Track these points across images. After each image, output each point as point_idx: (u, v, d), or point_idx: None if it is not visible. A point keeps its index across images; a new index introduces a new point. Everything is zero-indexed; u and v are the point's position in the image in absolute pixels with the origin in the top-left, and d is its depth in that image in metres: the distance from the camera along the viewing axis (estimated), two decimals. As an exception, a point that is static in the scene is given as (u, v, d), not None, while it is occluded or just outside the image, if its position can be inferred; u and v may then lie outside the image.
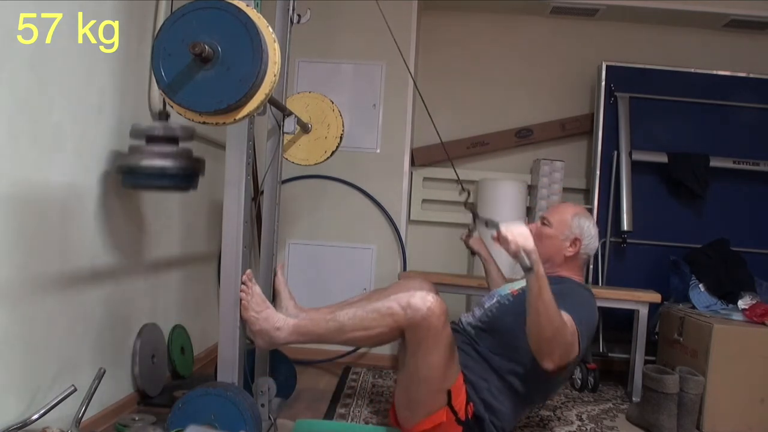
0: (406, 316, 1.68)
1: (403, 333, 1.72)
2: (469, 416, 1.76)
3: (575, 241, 2.00)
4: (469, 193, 1.93)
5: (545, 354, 1.62)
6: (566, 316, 1.66)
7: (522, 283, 1.99)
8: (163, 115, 1.97)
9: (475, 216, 1.78)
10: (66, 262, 1.77)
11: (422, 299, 1.68)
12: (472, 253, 2.49)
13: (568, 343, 1.63)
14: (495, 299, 2.01)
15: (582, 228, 2.00)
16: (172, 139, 1.90)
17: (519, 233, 1.58)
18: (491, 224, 1.68)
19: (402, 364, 1.84)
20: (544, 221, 2.03)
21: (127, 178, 1.89)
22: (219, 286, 1.81)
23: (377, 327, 1.71)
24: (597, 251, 3.16)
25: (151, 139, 1.88)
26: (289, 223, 3.15)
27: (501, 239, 1.61)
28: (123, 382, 2.13)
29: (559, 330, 1.59)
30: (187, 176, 1.90)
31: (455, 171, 2.25)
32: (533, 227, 2.03)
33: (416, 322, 1.67)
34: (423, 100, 2.36)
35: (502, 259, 2.37)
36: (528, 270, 1.57)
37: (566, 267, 2.02)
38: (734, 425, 2.40)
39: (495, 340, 1.89)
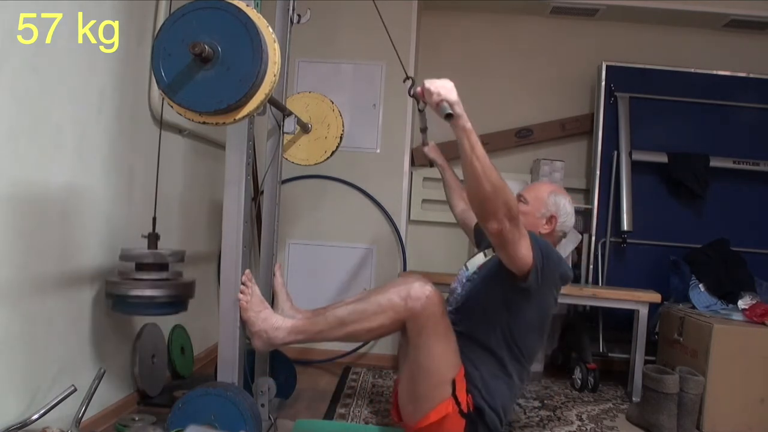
0: (406, 307, 1.69)
1: (404, 325, 1.72)
2: (471, 408, 1.76)
3: (551, 218, 1.99)
4: (413, 80, 1.86)
5: (489, 214, 1.57)
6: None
7: (482, 258, 2.00)
8: (153, 240, 1.97)
9: (418, 100, 1.70)
10: (66, 262, 1.77)
11: (420, 288, 1.69)
12: (430, 164, 2.47)
13: (511, 203, 1.58)
14: (464, 281, 2.01)
15: (558, 205, 1.99)
16: (162, 266, 1.91)
17: (441, 85, 1.55)
18: (417, 82, 1.61)
19: (403, 361, 1.84)
20: (521, 198, 2.02)
21: (116, 306, 1.90)
22: (219, 286, 1.81)
23: (377, 319, 1.72)
24: (597, 251, 3.17)
25: (140, 266, 1.89)
26: (289, 223, 3.15)
27: (425, 91, 1.57)
28: (123, 382, 2.13)
29: (499, 186, 1.56)
30: (175, 303, 1.92)
31: (403, 66, 2.19)
32: None
33: (416, 312, 1.68)
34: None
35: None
36: (449, 117, 1.53)
37: None
38: (734, 425, 2.40)
39: (471, 315, 1.88)
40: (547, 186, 2.09)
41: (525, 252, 1.66)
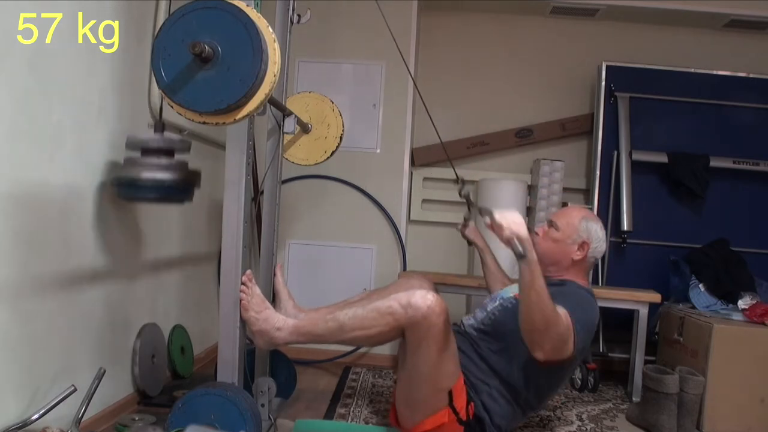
0: (407, 315, 1.68)
1: (404, 332, 1.72)
2: (470, 416, 1.76)
3: (583, 244, 1.99)
4: (463, 182, 1.91)
5: (536, 344, 1.62)
6: (561, 311, 1.66)
7: None
8: (159, 126, 1.96)
9: (470, 204, 1.77)
10: (66, 262, 1.77)
11: (422, 298, 1.68)
12: (469, 243, 2.47)
13: (561, 336, 1.63)
14: (498, 302, 2.01)
15: (590, 231, 1.99)
16: (168, 151, 1.89)
17: (512, 220, 1.59)
18: (485, 211, 1.67)
19: (402, 364, 1.84)
20: (552, 224, 2.02)
21: (122, 190, 1.87)
22: (219, 286, 1.81)
23: (377, 326, 1.71)
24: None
25: (147, 151, 1.87)
26: (289, 223, 3.15)
27: (495, 226, 1.61)
28: (123, 382, 2.12)
29: (551, 321, 1.59)
30: (183, 188, 1.90)
31: (453, 166, 2.24)
32: (541, 230, 2.03)
33: (416, 321, 1.67)
34: (423, 100, 2.37)
35: (501, 256, 2.36)
36: (520, 257, 1.57)
37: (573, 271, 2.02)
38: (734, 425, 2.40)
39: (496, 342, 1.89)
40: (579, 211, 2.08)
41: (570, 351, 1.70)
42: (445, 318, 1.71)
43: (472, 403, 1.78)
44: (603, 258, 3.17)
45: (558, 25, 3.44)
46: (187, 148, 1.95)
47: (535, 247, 1.94)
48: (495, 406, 1.82)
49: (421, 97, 2.43)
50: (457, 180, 1.95)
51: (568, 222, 2.01)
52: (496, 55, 3.47)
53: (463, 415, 1.74)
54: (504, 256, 2.26)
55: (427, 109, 2.33)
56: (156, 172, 1.81)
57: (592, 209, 3.18)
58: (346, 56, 3.18)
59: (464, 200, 1.83)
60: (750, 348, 2.42)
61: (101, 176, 1.93)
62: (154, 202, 2.08)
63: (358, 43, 3.16)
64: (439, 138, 2.39)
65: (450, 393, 1.73)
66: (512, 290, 2.04)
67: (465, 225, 2.42)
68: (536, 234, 2.04)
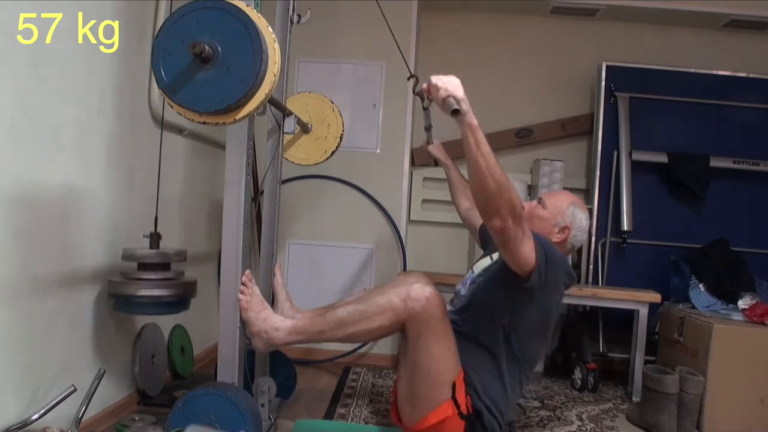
0: (406, 308, 1.68)
1: (403, 326, 1.72)
2: (470, 410, 1.76)
3: (564, 228, 1.99)
4: (417, 78, 1.85)
5: (493, 211, 1.57)
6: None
7: (488, 262, 2.00)
8: (155, 240, 1.97)
9: (423, 98, 1.69)
10: (66, 262, 1.77)
11: (421, 290, 1.68)
12: (435, 163, 2.46)
13: (515, 200, 1.58)
14: (468, 283, 2.01)
15: (574, 218, 1.99)
16: (164, 265, 1.92)
17: (448, 80, 1.55)
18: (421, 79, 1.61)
19: (403, 360, 1.84)
20: (540, 201, 2.03)
21: (119, 305, 1.90)
22: (219, 286, 1.81)
23: (377, 320, 1.71)
24: (597, 251, 3.17)
25: (144, 266, 1.89)
26: (289, 223, 3.15)
27: (430, 87, 1.57)
28: (123, 382, 2.13)
29: (503, 184, 1.56)
30: (179, 303, 1.94)
31: (407, 65, 2.16)
32: (528, 205, 2.03)
33: (416, 313, 1.67)
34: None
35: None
36: (456, 113, 1.52)
37: None
38: (734, 425, 2.40)
39: (473, 316, 1.87)
40: (569, 196, 2.08)
41: (528, 251, 1.66)
42: (444, 310, 1.72)
43: (469, 396, 1.78)
44: (603, 258, 3.18)
45: (558, 25, 3.44)
46: (182, 258, 1.98)
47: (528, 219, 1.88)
48: (488, 392, 1.79)
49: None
50: (410, 75, 1.89)
51: (556, 203, 2.01)
52: (496, 55, 3.47)
53: (464, 408, 1.74)
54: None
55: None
56: (152, 290, 1.85)
57: (592, 209, 3.19)
58: (346, 56, 3.18)
59: (418, 97, 1.73)
60: (750, 348, 2.42)
61: (101, 177, 1.92)
62: (151, 316, 2.18)
63: (358, 43, 3.16)
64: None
65: (453, 385, 1.73)
66: (477, 268, 2.03)
67: (429, 141, 2.39)
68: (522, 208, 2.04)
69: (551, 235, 1.98)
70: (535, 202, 2.06)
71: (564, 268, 1.86)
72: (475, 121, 1.56)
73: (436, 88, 1.55)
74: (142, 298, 1.84)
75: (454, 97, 1.53)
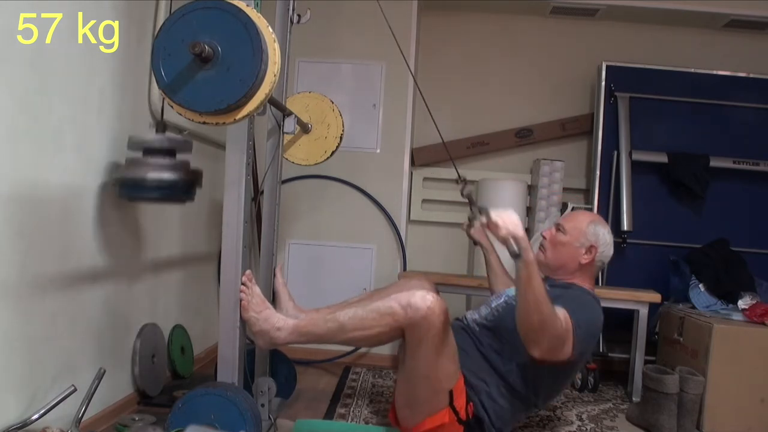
0: (407, 316, 1.68)
1: (403, 332, 1.72)
2: (470, 416, 1.76)
3: (590, 248, 1.98)
4: (465, 182, 1.90)
5: (532, 342, 1.64)
6: (561, 312, 1.67)
7: None
8: (161, 127, 1.96)
9: (472, 204, 1.76)
10: (66, 262, 1.77)
11: (422, 298, 1.68)
12: (475, 243, 2.46)
13: (559, 336, 1.64)
14: (503, 299, 2.01)
15: (597, 236, 1.99)
16: (171, 151, 1.89)
17: (509, 219, 1.60)
18: (482, 211, 1.68)
19: (402, 364, 1.84)
20: (559, 228, 2.02)
21: (125, 190, 1.87)
22: (219, 286, 1.81)
23: (377, 326, 1.71)
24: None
25: (150, 151, 1.87)
26: (289, 223, 3.15)
27: (491, 225, 1.62)
28: (123, 382, 2.13)
29: (548, 320, 1.60)
30: (185, 188, 1.90)
31: (455, 165, 2.23)
32: (548, 234, 2.04)
33: (416, 322, 1.67)
34: (424, 100, 2.36)
35: (505, 256, 2.36)
36: (516, 256, 1.58)
37: (579, 274, 2.02)
38: (734, 425, 2.40)
39: (497, 339, 1.89)
40: (587, 216, 2.08)
41: (568, 353, 1.71)
42: (445, 319, 1.70)
43: (471, 403, 1.78)
44: (603, 258, 3.18)
45: (558, 25, 3.44)
46: (188, 148, 1.94)
47: (543, 251, 1.95)
48: (494, 406, 1.82)
49: (422, 95, 2.43)
50: (459, 179, 1.94)
51: (576, 226, 2.01)
52: (496, 55, 3.47)
53: (462, 414, 1.75)
54: (507, 256, 2.26)
55: (428, 108, 2.32)
56: (160, 172, 1.81)
57: (592, 209, 3.19)
58: (346, 56, 3.18)
59: (466, 200, 1.81)
60: (750, 348, 2.42)
61: (102, 177, 1.93)
62: (158, 202, 2.09)
63: (358, 43, 3.16)
64: (441, 137, 2.38)
65: (450, 393, 1.73)
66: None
67: (470, 225, 2.40)
68: (543, 237, 2.05)
69: (579, 257, 1.98)
70: (554, 229, 2.05)
71: (597, 334, 1.90)
72: (531, 257, 1.60)
73: (496, 226, 1.61)
74: (150, 181, 1.80)
75: (515, 239, 1.59)
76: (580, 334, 1.71)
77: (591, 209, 3.19)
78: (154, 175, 1.81)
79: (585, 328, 1.76)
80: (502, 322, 1.91)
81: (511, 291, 2.03)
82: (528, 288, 1.58)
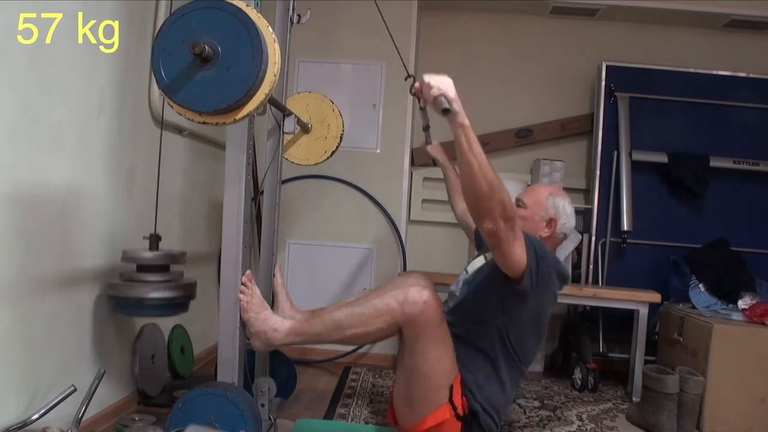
0: (404, 312, 1.68)
1: (401, 330, 1.72)
2: (466, 411, 1.76)
3: (551, 221, 1.97)
4: (414, 79, 1.84)
5: (484, 213, 1.56)
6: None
7: (481, 261, 2.00)
8: (155, 242, 1.96)
9: (419, 99, 1.69)
10: (66, 262, 1.77)
11: (418, 293, 1.68)
12: (433, 163, 2.46)
13: (509, 204, 1.57)
14: (462, 283, 2.01)
15: (557, 207, 1.98)
16: (164, 267, 1.91)
17: (440, 80, 1.54)
18: (417, 78, 1.61)
19: (400, 362, 1.84)
20: (519, 203, 2.01)
21: (121, 308, 1.90)
22: (219, 286, 1.81)
23: (375, 323, 1.71)
24: (597, 251, 3.17)
25: (144, 268, 1.89)
26: (289, 223, 3.15)
27: (422, 86, 1.56)
28: (123, 382, 2.13)
29: (495, 185, 1.54)
30: (182, 304, 1.94)
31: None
32: None
33: (413, 317, 1.67)
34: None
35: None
36: (447, 113, 1.51)
37: None
38: (734, 425, 2.40)
39: (466, 317, 1.87)
40: (546, 188, 2.07)
41: (519, 253, 1.64)
42: (441, 314, 1.71)
43: (465, 398, 1.78)
44: (603, 258, 3.18)
45: (558, 25, 3.44)
46: (182, 260, 1.97)
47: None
48: (483, 394, 1.79)
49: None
50: (408, 75, 1.88)
51: (535, 199, 2.00)
52: (496, 55, 3.47)
53: (460, 410, 1.74)
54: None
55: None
56: (157, 291, 1.85)
57: (592, 209, 3.19)
58: (346, 56, 3.18)
59: (415, 97, 1.72)
60: (750, 348, 2.42)
61: (101, 178, 1.92)
62: (151, 318, 2.17)
63: (358, 43, 3.16)
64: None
65: (450, 388, 1.73)
66: (471, 268, 2.04)
67: (427, 141, 2.37)
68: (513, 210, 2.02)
69: (539, 230, 1.96)
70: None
71: (556, 268, 1.84)
72: (466, 121, 1.54)
73: (429, 87, 1.54)
74: (141, 300, 1.83)
75: (446, 96, 1.51)
76: (531, 247, 1.67)
77: (591, 209, 3.19)
78: (151, 294, 1.84)
79: (538, 247, 1.72)
80: (467, 299, 1.91)
81: (467, 274, 2.03)
82: (469, 152, 1.54)
